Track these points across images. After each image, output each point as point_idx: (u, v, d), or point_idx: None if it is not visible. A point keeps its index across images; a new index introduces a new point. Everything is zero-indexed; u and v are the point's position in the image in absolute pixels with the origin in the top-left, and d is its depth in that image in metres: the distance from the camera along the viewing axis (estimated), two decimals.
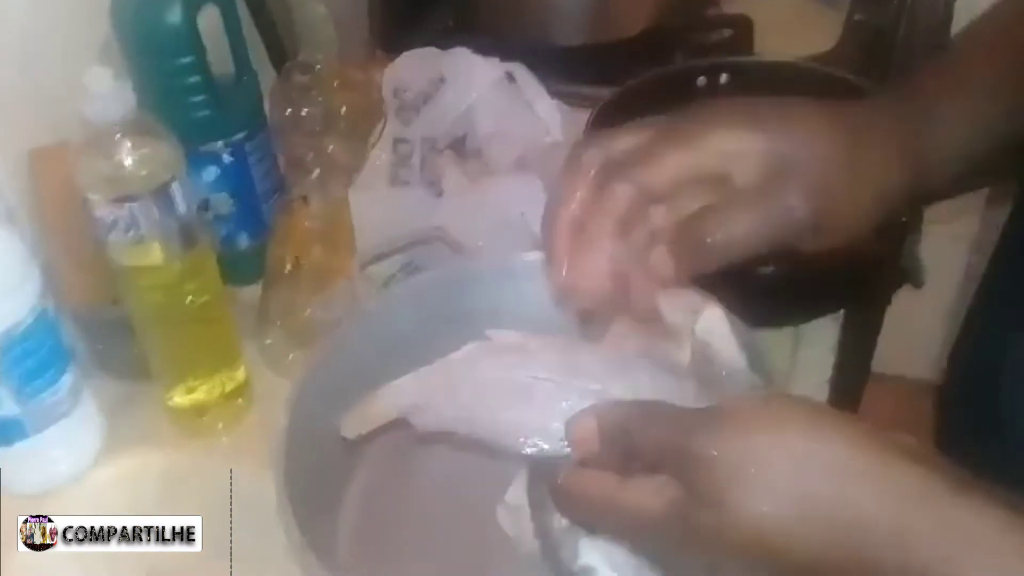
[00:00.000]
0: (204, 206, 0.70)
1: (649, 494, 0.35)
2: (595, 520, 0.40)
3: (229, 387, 0.64)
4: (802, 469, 0.32)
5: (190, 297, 0.58)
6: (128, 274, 0.56)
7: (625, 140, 0.42)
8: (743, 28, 0.85)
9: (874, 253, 0.68)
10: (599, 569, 0.49)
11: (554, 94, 0.81)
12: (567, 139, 0.78)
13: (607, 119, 0.72)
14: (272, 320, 0.66)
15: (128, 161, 0.52)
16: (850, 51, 0.93)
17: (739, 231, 0.40)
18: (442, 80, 0.74)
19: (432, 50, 0.77)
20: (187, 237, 0.56)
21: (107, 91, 0.50)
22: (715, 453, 0.33)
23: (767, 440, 0.33)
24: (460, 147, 0.78)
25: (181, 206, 0.55)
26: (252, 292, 0.70)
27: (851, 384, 1.10)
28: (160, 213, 0.54)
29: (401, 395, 0.45)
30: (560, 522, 0.51)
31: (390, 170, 0.70)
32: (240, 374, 0.65)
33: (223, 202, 0.70)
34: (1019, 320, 0.48)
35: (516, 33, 0.93)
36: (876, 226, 0.43)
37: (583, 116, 0.74)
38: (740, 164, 0.41)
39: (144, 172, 0.53)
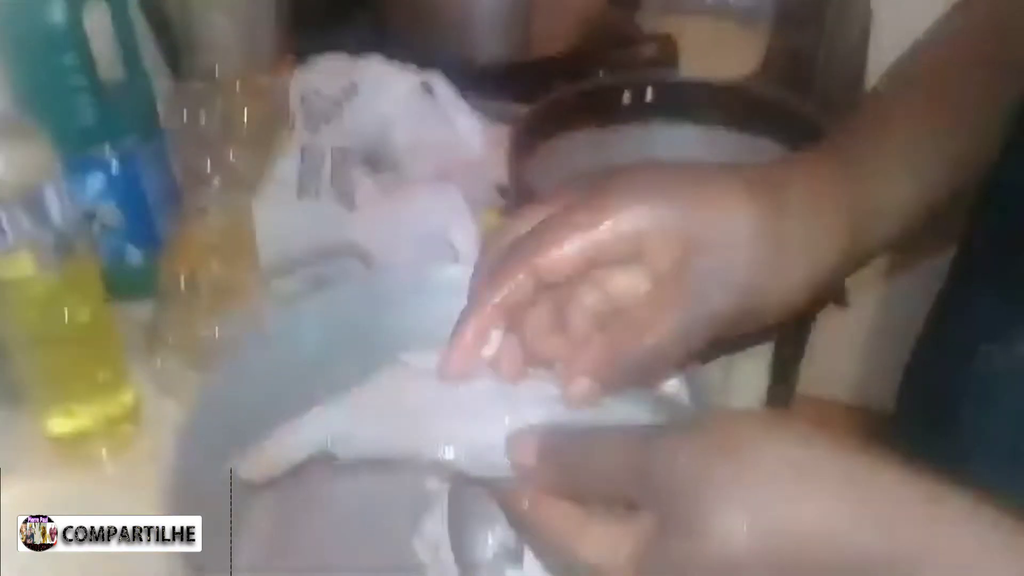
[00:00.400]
0: (90, 217, 0.64)
1: (614, 538, 0.32)
2: (558, 558, 0.36)
3: (114, 412, 0.58)
4: (779, 480, 0.30)
5: (68, 314, 0.53)
6: None
7: (532, 219, 0.37)
8: (667, 46, 0.84)
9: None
10: None
11: (475, 109, 0.78)
12: (488, 155, 0.75)
13: (531, 134, 0.69)
14: (164, 340, 0.61)
15: None
16: (772, 72, 0.92)
17: (656, 342, 0.36)
18: (354, 88, 0.71)
19: (344, 57, 0.73)
20: (64, 248, 0.51)
21: None
22: (683, 474, 0.31)
23: (737, 455, 0.30)
24: (375, 160, 0.75)
25: (56, 214, 0.50)
26: (143, 309, 0.65)
27: (779, 406, 1.09)
28: (31, 221, 0.48)
29: (316, 428, 0.41)
30: (484, 553, 0.48)
31: (298, 181, 0.66)
32: (127, 398, 0.59)
33: (111, 213, 0.65)
34: (986, 332, 0.45)
35: (435, 48, 0.90)
36: (812, 300, 0.39)
37: (504, 131, 0.71)
38: (652, 244, 0.36)
39: (12, 175, 0.47)
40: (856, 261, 0.41)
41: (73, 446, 0.58)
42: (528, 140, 0.68)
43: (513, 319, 0.37)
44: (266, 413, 0.53)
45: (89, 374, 0.57)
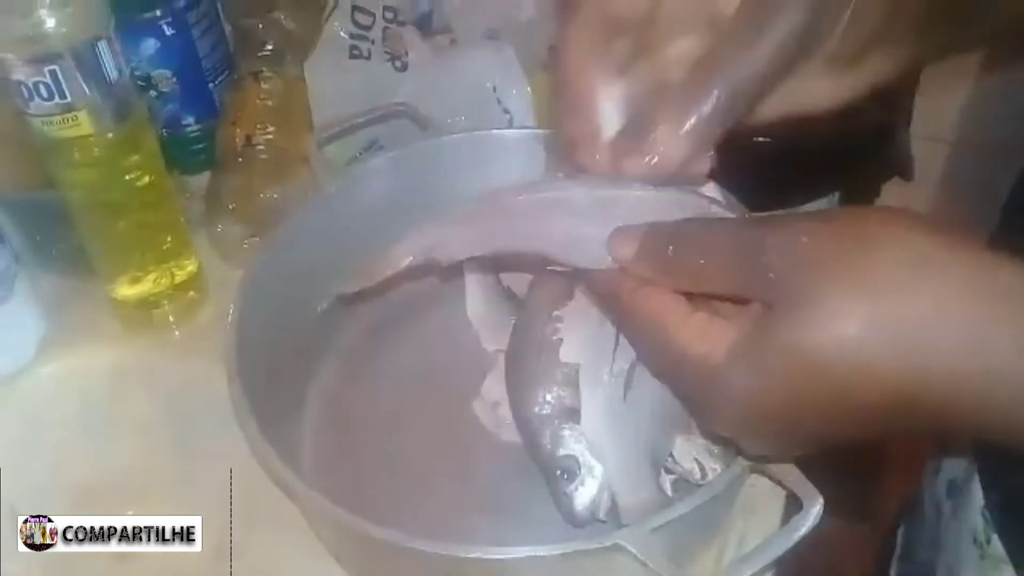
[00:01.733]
0: (145, 83, 0.64)
1: (717, 329, 0.31)
2: (649, 353, 0.35)
3: (179, 278, 0.59)
4: (903, 268, 0.28)
5: (128, 175, 0.53)
6: (56, 149, 0.51)
7: None
8: None
9: (876, 120, 0.64)
10: (583, 458, 0.46)
11: None
12: (539, 15, 0.72)
13: None
14: (224, 205, 0.61)
15: (45, 15, 0.46)
16: None
17: (744, 72, 0.34)
18: None
19: None
20: (120, 107, 0.50)
21: None
22: (803, 254, 0.29)
23: (861, 240, 0.28)
24: (426, 24, 0.72)
25: (110, 71, 0.49)
26: (202, 180, 0.65)
27: None
28: (86, 77, 0.48)
29: (417, 238, 0.41)
30: (542, 410, 0.48)
31: (348, 43, 0.64)
32: (191, 264, 0.60)
33: (165, 79, 0.64)
34: None
35: None
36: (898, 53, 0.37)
37: None
38: None
39: (65, 29, 0.47)
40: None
41: (139, 312, 0.59)
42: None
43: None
44: (325, 273, 0.54)
45: (153, 240, 0.57)
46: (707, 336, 0.31)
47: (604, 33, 0.37)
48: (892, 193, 0.95)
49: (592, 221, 0.36)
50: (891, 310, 0.28)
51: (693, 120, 0.34)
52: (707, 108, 0.34)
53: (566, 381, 0.45)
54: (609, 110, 0.37)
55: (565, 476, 0.46)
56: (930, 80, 0.99)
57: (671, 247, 0.33)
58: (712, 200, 0.38)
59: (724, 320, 0.31)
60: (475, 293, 0.58)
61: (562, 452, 0.46)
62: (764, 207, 0.63)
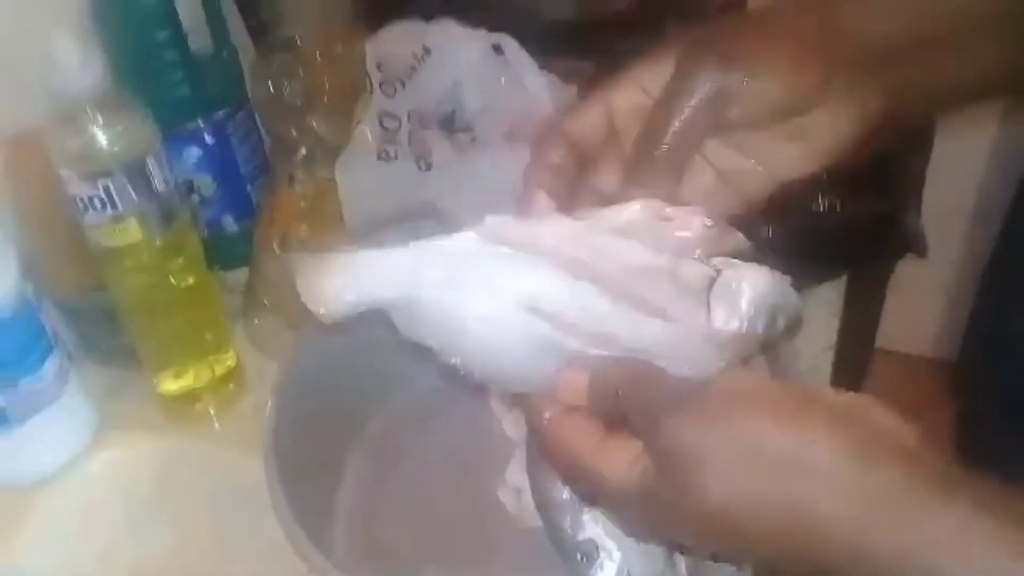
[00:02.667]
0: (188, 188, 0.68)
1: (624, 462, 0.35)
2: (569, 474, 0.39)
3: (219, 371, 0.63)
4: (754, 462, 0.32)
5: (173, 278, 0.57)
6: (108, 255, 0.55)
7: None
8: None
9: (875, 211, 0.66)
10: (601, 542, 0.48)
11: (544, 67, 0.79)
12: (556, 112, 0.77)
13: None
14: (260, 300, 0.65)
15: (100, 136, 0.51)
16: None
17: (677, 128, 0.39)
18: (427, 52, 0.72)
19: (417, 22, 0.75)
20: (166, 214, 0.54)
21: (74, 62, 0.49)
22: (682, 435, 0.33)
23: (730, 429, 0.33)
24: (449, 123, 0.76)
25: (159, 183, 0.53)
26: (240, 275, 0.68)
27: (855, 355, 1.08)
28: (136, 190, 0.52)
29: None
30: (562, 495, 0.50)
31: (377, 145, 0.68)
32: (230, 358, 0.63)
33: (207, 184, 0.68)
34: None
35: (504, 8, 0.91)
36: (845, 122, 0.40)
37: (573, 88, 0.72)
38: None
39: (117, 147, 0.51)
40: (853, 59, 0.40)
41: (182, 404, 0.63)
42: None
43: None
44: (356, 364, 0.57)
45: (195, 335, 0.61)
46: (623, 461, 0.35)
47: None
48: (907, 269, 0.97)
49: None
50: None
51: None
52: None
53: None
54: None
55: (584, 560, 0.48)
56: (944, 152, 1.02)
57: (612, 399, 0.36)
58: None
59: (637, 446, 0.35)
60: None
61: (581, 536, 0.48)
62: None
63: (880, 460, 0.31)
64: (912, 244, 0.94)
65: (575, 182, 0.42)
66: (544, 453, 0.40)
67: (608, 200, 0.40)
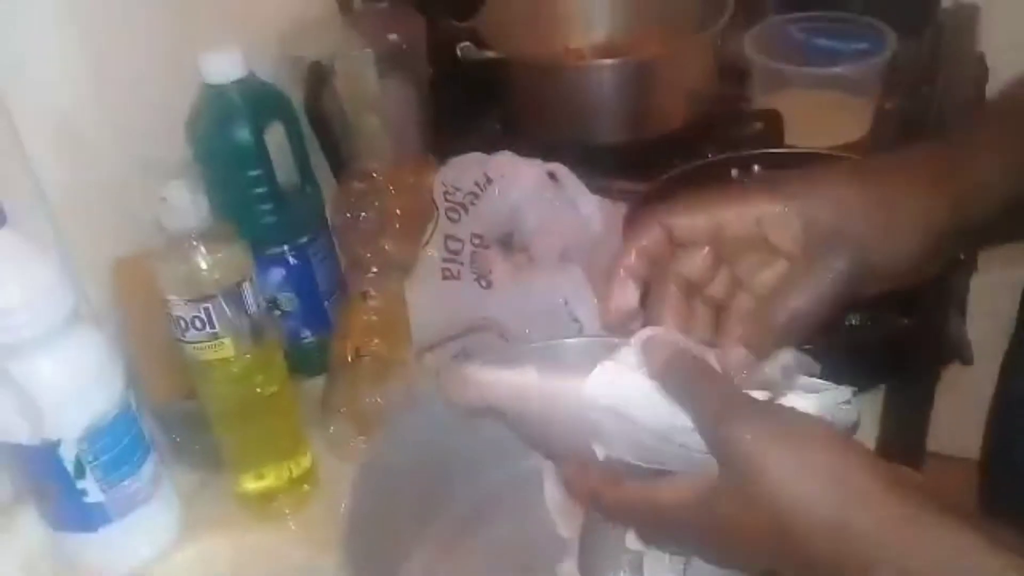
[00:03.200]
0: (272, 304, 0.75)
1: (682, 489, 0.41)
2: (638, 521, 0.46)
3: (296, 473, 0.68)
4: (816, 478, 0.37)
5: (259, 388, 0.63)
6: (203, 369, 0.61)
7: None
8: (773, 122, 0.89)
9: (908, 329, 0.70)
10: None
11: (595, 189, 0.85)
12: (608, 231, 0.83)
13: (645, 211, 0.76)
14: (335, 408, 0.70)
15: (203, 265, 0.58)
16: (880, 140, 0.96)
17: (801, 308, 0.44)
18: (488, 181, 0.80)
19: (478, 155, 0.83)
20: (256, 333, 0.61)
21: (184, 203, 0.56)
22: (745, 448, 0.38)
23: (783, 452, 0.38)
24: (508, 243, 0.83)
25: (251, 305, 0.60)
26: (316, 383, 0.75)
27: (905, 461, 1.09)
28: (232, 311, 0.59)
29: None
30: None
31: (442, 265, 0.75)
32: (306, 461, 0.69)
33: (289, 300, 0.75)
34: None
35: (559, 134, 0.99)
36: (929, 263, 0.46)
37: (623, 208, 0.79)
38: (775, 229, 0.45)
39: (218, 275, 0.58)
40: (963, 230, 0.46)
41: (261, 504, 0.68)
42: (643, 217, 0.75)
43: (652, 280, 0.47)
44: (422, 469, 0.62)
45: (275, 441, 0.67)
46: (677, 494, 0.42)
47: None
48: (954, 376, 0.99)
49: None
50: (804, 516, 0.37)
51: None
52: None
53: (632, 565, 0.52)
54: None
55: None
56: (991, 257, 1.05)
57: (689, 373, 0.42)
58: None
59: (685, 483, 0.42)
60: (551, 482, 0.65)
61: None
62: None
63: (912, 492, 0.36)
64: (957, 352, 0.96)
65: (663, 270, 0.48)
66: (615, 518, 0.47)
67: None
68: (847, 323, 0.66)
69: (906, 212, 0.45)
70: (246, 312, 0.60)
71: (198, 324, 0.58)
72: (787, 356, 0.48)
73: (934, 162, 0.47)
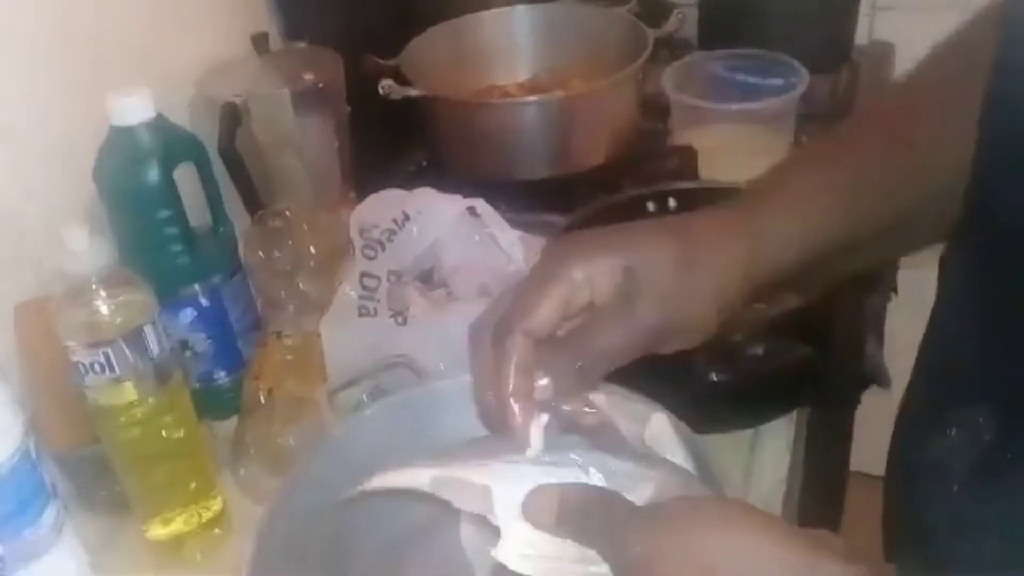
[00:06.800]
0: (183, 345, 0.74)
1: None
2: None
3: (206, 517, 0.67)
4: (703, 564, 0.36)
5: (164, 432, 0.62)
6: (105, 413, 0.60)
7: (511, 296, 0.48)
8: (688, 157, 0.91)
9: (814, 357, 0.71)
10: None
11: (516, 224, 0.86)
12: (528, 265, 0.83)
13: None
14: (247, 450, 0.69)
15: (104, 309, 0.57)
16: None
17: (602, 349, 0.47)
18: (407, 218, 0.80)
19: (396, 191, 0.82)
20: (160, 375, 0.60)
21: (84, 248, 0.55)
22: (638, 550, 0.37)
23: (683, 536, 0.37)
24: (428, 279, 0.83)
25: (154, 347, 0.59)
26: (230, 425, 0.73)
27: (827, 483, 1.11)
28: (134, 355, 0.58)
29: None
30: None
31: (358, 303, 0.75)
32: (217, 504, 0.68)
33: (200, 341, 0.74)
34: (930, 420, 0.50)
35: (481, 171, 1.00)
36: (722, 323, 0.49)
37: (543, 243, 0.79)
38: (596, 285, 0.47)
39: (119, 319, 0.57)
40: (758, 287, 0.50)
41: (171, 550, 0.67)
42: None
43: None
44: (332, 512, 0.61)
45: (183, 484, 0.66)
46: None
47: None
48: (875, 399, 1.01)
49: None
50: None
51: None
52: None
53: None
54: None
55: None
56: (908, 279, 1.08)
57: (581, 519, 0.41)
58: None
59: None
60: (467, 520, 0.65)
61: None
62: (722, 430, 0.70)
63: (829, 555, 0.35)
64: (873, 377, 0.98)
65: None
66: None
67: None
68: (752, 353, 0.68)
69: (707, 270, 0.48)
70: (148, 355, 0.59)
71: (97, 368, 0.57)
72: (660, 419, 0.50)
73: (731, 222, 0.50)
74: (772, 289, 0.51)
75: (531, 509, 0.42)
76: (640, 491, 0.43)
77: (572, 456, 0.46)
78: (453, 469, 0.46)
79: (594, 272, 0.47)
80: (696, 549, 0.36)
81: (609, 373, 0.48)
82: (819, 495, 1.00)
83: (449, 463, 0.47)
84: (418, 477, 0.48)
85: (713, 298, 0.48)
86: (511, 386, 0.47)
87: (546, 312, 0.46)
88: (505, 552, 0.42)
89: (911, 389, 0.56)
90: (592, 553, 0.41)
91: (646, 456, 0.48)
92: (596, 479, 0.44)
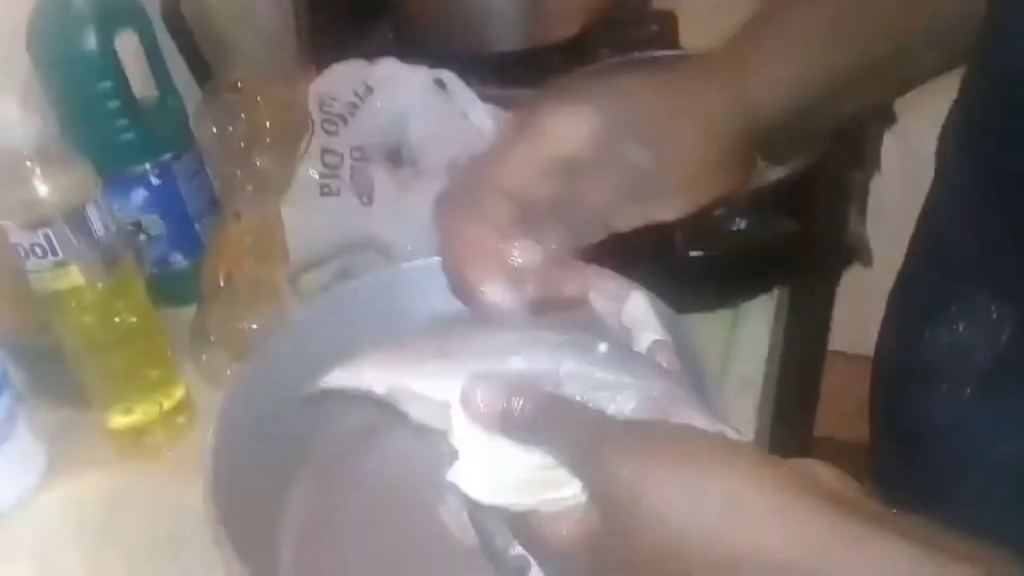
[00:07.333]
0: (136, 228, 0.70)
1: (571, 522, 0.35)
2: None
3: (168, 406, 0.64)
4: (699, 503, 0.32)
5: (117, 318, 0.59)
6: (51, 299, 0.57)
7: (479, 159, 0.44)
8: (668, 24, 0.86)
9: (799, 233, 0.68)
10: (532, 560, 0.50)
11: (486, 98, 0.81)
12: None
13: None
14: (207, 336, 0.67)
15: (40, 187, 0.53)
16: None
17: (590, 204, 0.42)
18: (369, 90, 0.75)
19: (358, 62, 0.77)
20: (108, 259, 0.56)
21: (12, 119, 0.51)
22: (625, 473, 0.33)
23: (667, 474, 0.33)
24: (396, 157, 0.79)
25: (98, 229, 0.55)
26: (191, 311, 0.70)
27: (806, 361, 1.11)
28: (76, 236, 0.54)
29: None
30: (492, 514, 0.52)
31: (319, 181, 0.71)
32: (178, 392, 0.65)
33: (154, 223, 0.71)
34: (934, 315, 0.47)
35: (451, 42, 0.94)
36: (726, 173, 0.44)
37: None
38: (570, 133, 0.42)
39: (57, 197, 0.53)
40: (751, 133, 0.45)
41: (133, 440, 0.64)
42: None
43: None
44: (294, 398, 0.58)
45: (142, 373, 0.63)
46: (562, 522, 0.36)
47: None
48: (858, 277, 1.00)
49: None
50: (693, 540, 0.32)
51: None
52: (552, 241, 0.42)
53: None
54: None
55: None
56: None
57: (526, 423, 0.37)
58: None
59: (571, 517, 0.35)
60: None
61: (513, 552, 0.50)
62: (702, 309, 0.68)
63: (825, 500, 0.31)
64: (856, 254, 0.97)
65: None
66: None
67: None
68: (734, 228, 0.65)
69: (693, 113, 0.43)
70: (93, 237, 0.55)
71: (39, 252, 0.54)
72: (638, 298, 0.46)
73: (719, 67, 0.45)
74: (768, 143, 0.46)
75: (472, 402, 0.38)
76: (621, 402, 0.38)
77: (549, 355, 0.40)
78: (413, 376, 0.42)
79: (566, 118, 0.42)
80: (695, 491, 0.32)
81: (590, 245, 0.44)
82: (797, 375, 0.99)
83: (410, 363, 0.43)
84: (376, 381, 0.44)
85: (705, 143, 0.43)
86: (486, 249, 0.42)
87: (517, 165, 0.42)
88: (460, 474, 0.39)
89: (906, 277, 0.53)
90: (557, 477, 0.36)
91: (625, 358, 0.42)
92: (572, 386, 0.39)
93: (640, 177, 0.42)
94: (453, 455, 0.51)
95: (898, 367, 0.52)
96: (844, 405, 1.40)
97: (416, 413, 0.42)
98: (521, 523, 0.38)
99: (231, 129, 0.69)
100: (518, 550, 0.51)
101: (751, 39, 0.47)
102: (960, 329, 0.44)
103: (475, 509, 0.52)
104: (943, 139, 0.48)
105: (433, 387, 0.41)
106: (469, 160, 0.46)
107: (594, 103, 0.42)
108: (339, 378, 0.46)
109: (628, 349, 0.44)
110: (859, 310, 1.28)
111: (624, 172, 0.42)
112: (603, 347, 0.41)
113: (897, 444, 0.53)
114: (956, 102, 0.47)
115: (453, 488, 0.59)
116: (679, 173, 0.43)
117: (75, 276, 0.55)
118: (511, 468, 0.38)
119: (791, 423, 1.10)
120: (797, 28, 0.47)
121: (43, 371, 0.65)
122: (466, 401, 0.38)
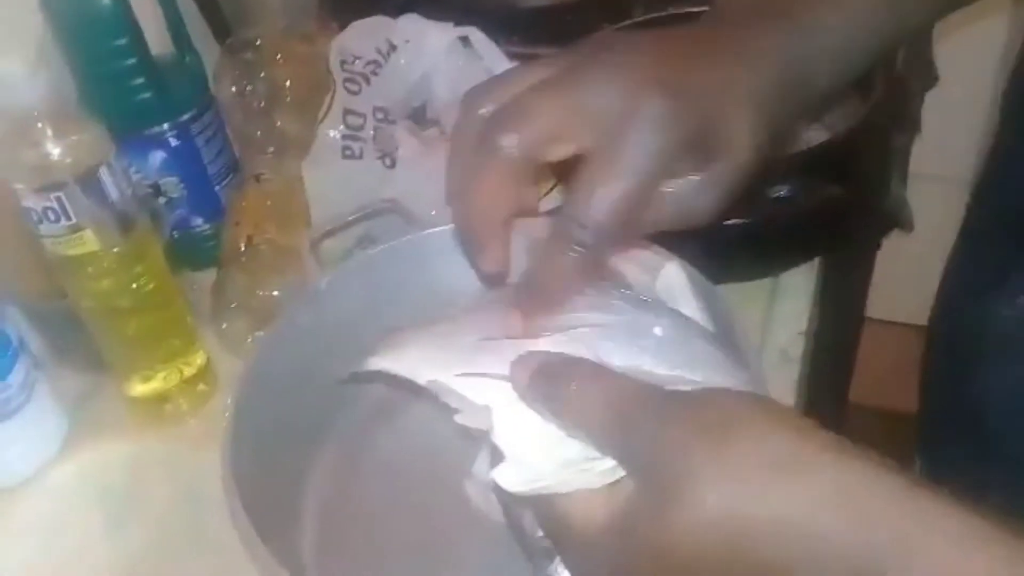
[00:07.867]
0: (156, 191, 0.68)
1: (594, 506, 0.33)
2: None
3: (188, 373, 0.63)
4: (760, 472, 0.29)
5: (135, 284, 0.57)
6: (67, 264, 0.55)
7: (513, 87, 0.39)
8: None
9: (842, 199, 0.65)
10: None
11: (514, 56, 0.78)
12: None
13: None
14: (228, 302, 0.65)
15: (52, 149, 0.51)
16: None
17: (637, 156, 0.37)
18: (392, 48, 0.72)
19: (381, 18, 0.74)
20: (123, 223, 0.55)
21: (19, 78, 0.49)
22: (668, 453, 0.31)
23: (725, 445, 0.30)
24: (420, 117, 0.76)
25: (112, 192, 0.53)
26: (210, 276, 0.69)
27: (844, 331, 1.08)
28: (90, 200, 0.52)
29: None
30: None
31: (341, 144, 0.68)
32: (199, 359, 0.64)
33: (173, 186, 0.69)
34: (994, 285, 0.44)
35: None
36: (774, 136, 0.40)
37: None
38: (608, 121, 0.37)
39: (70, 159, 0.51)
40: (801, 88, 0.41)
41: (154, 406, 0.63)
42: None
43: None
44: (316, 365, 0.57)
45: (161, 339, 0.61)
46: (588, 505, 0.33)
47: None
48: (895, 244, 0.96)
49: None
50: (752, 512, 0.29)
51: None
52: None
53: None
54: None
55: (545, 556, 0.48)
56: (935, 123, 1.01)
57: (561, 389, 0.34)
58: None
59: (599, 496, 0.33)
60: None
61: (540, 533, 0.49)
62: (740, 280, 0.65)
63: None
64: (896, 220, 0.93)
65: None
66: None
67: None
68: (775, 195, 0.62)
69: (735, 60, 0.39)
70: (108, 201, 0.53)
71: (51, 215, 0.52)
72: (674, 268, 0.44)
73: (760, 18, 0.40)
74: (811, 91, 0.42)
75: (512, 370, 0.36)
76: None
77: (593, 347, 0.38)
78: (454, 373, 0.40)
79: (609, 108, 0.37)
80: (739, 461, 0.29)
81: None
82: (834, 343, 0.96)
83: (451, 359, 0.41)
84: (418, 372, 0.42)
85: (749, 96, 0.38)
86: (500, 199, 0.38)
87: (545, 126, 0.37)
88: (503, 474, 0.37)
89: (962, 247, 0.49)
90: (596, 469, 0.34)
91: (679, 345, 0.40)
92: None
93: (683, 128, 0.37)
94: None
95: (950, 340, 0.49)
96: (876, 372, 1.37)
97: (458, 415, 0.40)
98: (546, 506, 0.36)
99: (250, 88, 0.67)
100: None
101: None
102: (1022, 302, 0.42)
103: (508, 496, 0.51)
104: (1008, 92, 0.44)
105: (474, 389, 0.39)
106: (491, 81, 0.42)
107: (637, 89, 0.37)
108: (380, 363, 0.44)
109: (684, 329, 0.41)
110: (892, 276, 1.25)
111: (666, 125, 0.37)
112: (658, 330, 0.39)
113: (955, 416, 0.50)
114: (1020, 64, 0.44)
115: (496, 488, 0.58)
116: (724, 127, 0.38)
117: (90, 241, 0.54)
118: (551, 464, 0.36)
119: (827, 391, 1.07)
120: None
121: (64, 336, 0.64)
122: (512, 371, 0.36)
